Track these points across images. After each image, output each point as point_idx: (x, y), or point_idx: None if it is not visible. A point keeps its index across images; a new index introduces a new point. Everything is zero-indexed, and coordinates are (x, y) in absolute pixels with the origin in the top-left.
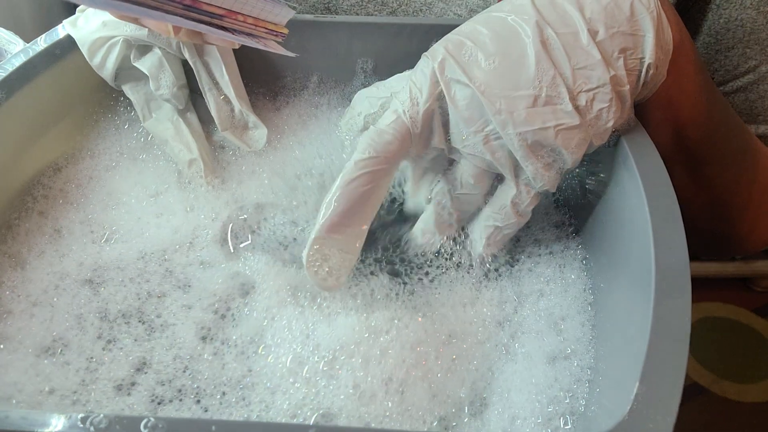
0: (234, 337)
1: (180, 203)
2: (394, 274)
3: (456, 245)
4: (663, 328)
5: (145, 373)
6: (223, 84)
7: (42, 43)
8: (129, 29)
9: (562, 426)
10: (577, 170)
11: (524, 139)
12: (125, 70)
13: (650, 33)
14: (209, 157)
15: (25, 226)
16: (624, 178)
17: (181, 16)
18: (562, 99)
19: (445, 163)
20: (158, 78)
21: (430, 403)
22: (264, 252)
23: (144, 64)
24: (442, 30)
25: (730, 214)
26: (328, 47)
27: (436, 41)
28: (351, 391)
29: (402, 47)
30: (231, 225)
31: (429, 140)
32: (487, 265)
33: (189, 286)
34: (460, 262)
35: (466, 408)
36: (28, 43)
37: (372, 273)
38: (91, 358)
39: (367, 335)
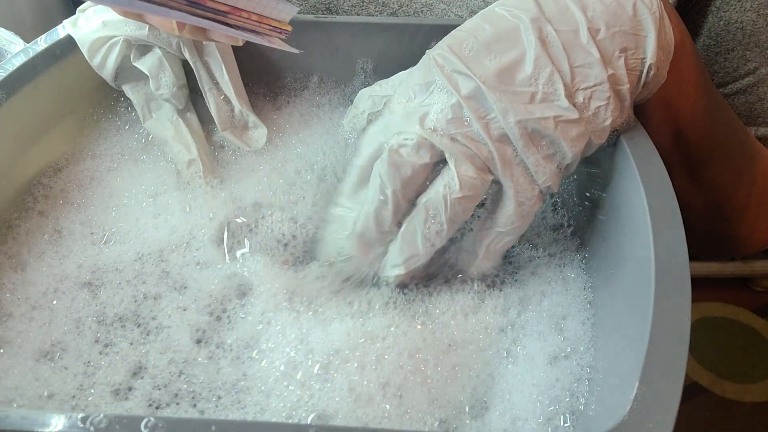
0: (229, 341)
1: (178, 203)
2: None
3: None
4: (663, 327)
5: (142, 377)
6: (223, 84)
7: (42, 43)
8: (129, 29)
9: (562, 425)
10: (576, 172)
11: (524, 128)
12: (125, 70)
13: (652, 33)
14: (208, 157)
15: (26, 227)
16: (624, 177)
17: (185, 12)
18: (558, 96)
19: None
20: (158, 78)
21: (430, 406)
22: (262, 253)
23: (144, 64)
24: (442, 30)
25: (730, 216)
26: (329, 47)
27: (437, 41)
28: (346, 393)
29: (402, 47)
30: (227, 228)
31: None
32: (488, 280)
33: (185, 287)
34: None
35: (467, 410)
36: (28, 43)
37: (370, 283)
38: (89, 362)
39: (363, 341)
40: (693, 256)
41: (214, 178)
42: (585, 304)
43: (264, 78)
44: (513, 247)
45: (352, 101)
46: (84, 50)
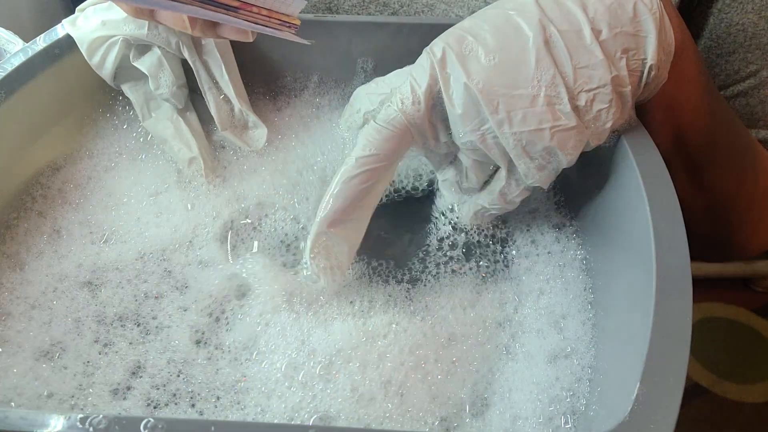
0: (227, 343)
1: (180, 202)
2: (394, 279)
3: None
4: (664, 328)
5: (140, 377)
6: (222, 83)
7: (41, 42)
8: (128, 28)
9: (563, 425)
10: (577, 172)
11: (519, 140)
12: (124, 70)
13: (652, 34)
14: (209, 155)
15: (24, 227)
16: (625, 177)
17: (197, 7)
18: (560, 99)
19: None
20: (157, 77)
21: (431, 404)
22: (263, 254)
23: (143, 64)
24: (442, 30)
25: (731, 218)
26: (329, 47)
27: None
28: (349, 393)
29: (402, 47)
30: (230, 231)
31: (433, 135)
32: (474, 235)
33: (186, 286)
34: (456, 269)
35: (467, 408)
36: (27, 42)
37: (370, 281)
38: (88, 361)
39: (364, 339)
40: (693, 257)
41: (216, 177)
42: (585, 305)
43: (264, 78)
44: (514, 241)
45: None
46: (83, 50)
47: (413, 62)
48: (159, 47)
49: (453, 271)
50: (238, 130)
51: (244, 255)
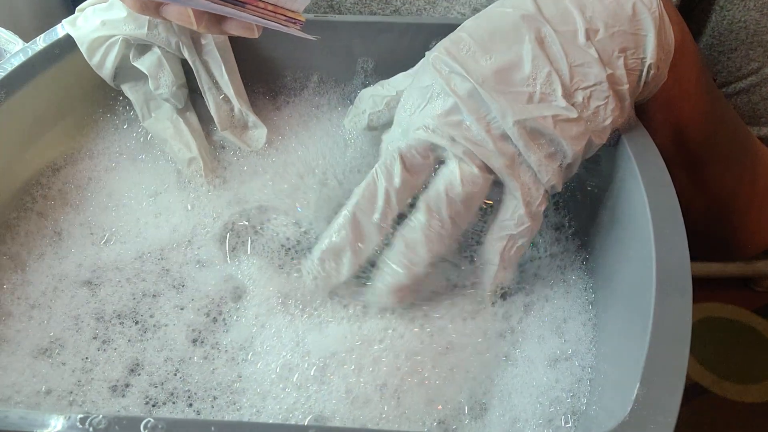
0: (224, 342)
1: (180, 202)
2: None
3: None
4: (664, 328)
5: (138, 374)
6: (222, 83)
7: (41, 42)
8: (128, 28)
9: (563, 425)
10: (577, 170)
11: (523, 127)
12: (124, 70)
13: (651, 33)
14: (209, 155)
15: (25, 227)
16: (625, 177)
17: (206, 1)
18: (556, 96)
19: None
20: (157, 77)
21: (428, 407)
22: (260, 256)
23: (143, 64)
24: (443, 30)
25: (732, 217)
26: (329, 46)
27: (437, 41)
28: (343, 395)
29: (402, 47)
30: (229, 233)
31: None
32: (503, 290)
33: (183, 285)
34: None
35: (466, 410)
36: (27, 42)
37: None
38: (86, 358)
39: (359, 343)
40: (694, 257)
41: (215, 177)
42: (586, 305)
43: (264, 77)
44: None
45: (351, 101)
46: (83, 50)
47: (414, 62)
48: (159, 47)
49: (455, 286)
50: (237, 130)
51: (239, 257)
